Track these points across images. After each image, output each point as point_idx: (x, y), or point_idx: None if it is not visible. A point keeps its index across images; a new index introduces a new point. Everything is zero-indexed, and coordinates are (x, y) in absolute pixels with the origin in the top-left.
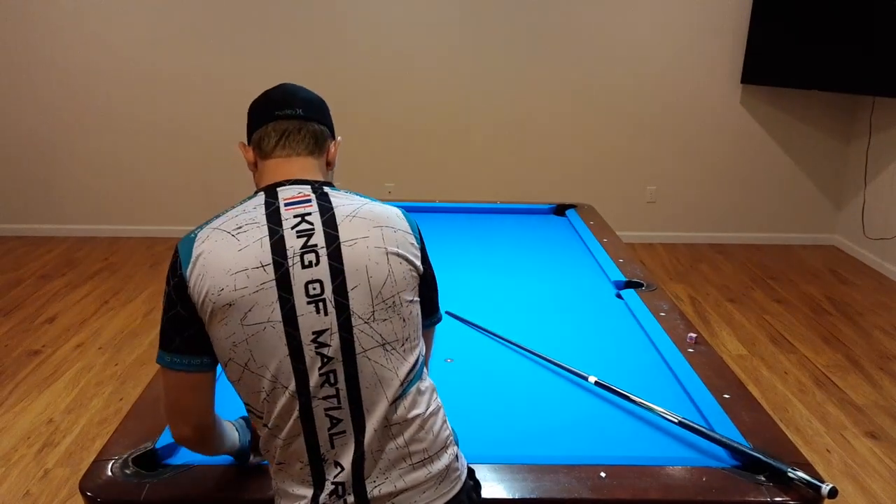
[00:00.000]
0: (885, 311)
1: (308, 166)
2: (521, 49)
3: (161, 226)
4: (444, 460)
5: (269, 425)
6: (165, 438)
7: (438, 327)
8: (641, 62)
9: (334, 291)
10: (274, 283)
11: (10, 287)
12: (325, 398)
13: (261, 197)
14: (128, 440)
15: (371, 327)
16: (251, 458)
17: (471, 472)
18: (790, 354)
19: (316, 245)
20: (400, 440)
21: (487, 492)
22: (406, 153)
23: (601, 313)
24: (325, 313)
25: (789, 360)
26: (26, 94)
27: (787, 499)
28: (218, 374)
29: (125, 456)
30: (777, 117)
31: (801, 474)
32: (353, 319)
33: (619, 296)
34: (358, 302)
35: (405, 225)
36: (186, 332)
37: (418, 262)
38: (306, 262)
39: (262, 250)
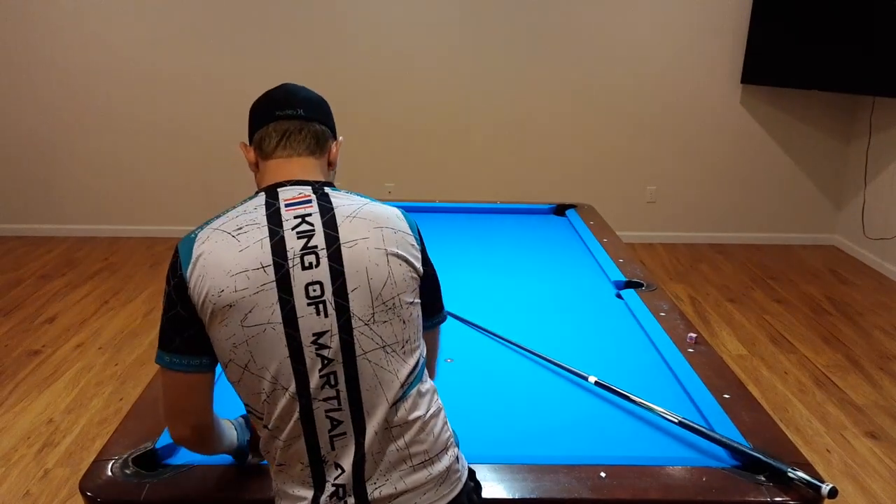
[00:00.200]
0: (885, 311)
1: (309, 166)
2: (520, 49)
3: (161, 226)
4: (445, 462)
5: (270, 426)
6: (165, 438)
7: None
8: (641, 62)
9: (334, 293)
10: (274, 284)
11: (10, 287)
12: (325, 400)
13: (261, 197)
14: (128, 440)
15: (371, 329)
16: (250, 457)
17: (471, 474)
18: (790, 354)
19: (316, 246)
20: (400, 442)
21: (487, 492)
22: (406, 153)
23: (601, 313)
24: (326, 315)
25: (789, 360)
26: (26, 94)
27: (787, 499)
28: (218, 374)
29: (125, 456)
30: (777, 117)
31: (801, 474)
32: (353, 321)
33: (619, 296)
34: (358, 304)
35: (405, 226)
36: (186, 332)
37: (418, 264)
38: (306, 264)
39: (263, 251)
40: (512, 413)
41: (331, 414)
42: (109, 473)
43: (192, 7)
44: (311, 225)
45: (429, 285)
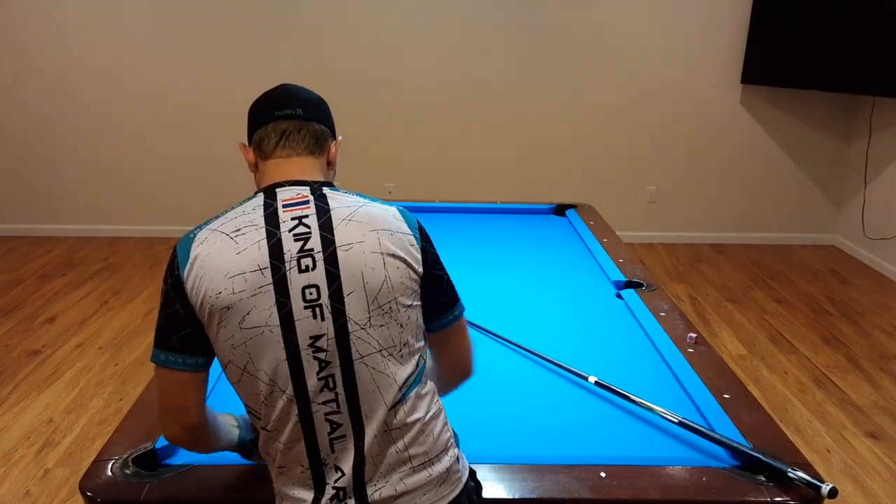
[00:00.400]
0: (885, 311)
1: (308, 166)
2: (520, 49)
3: (161, 226)
4: (445, 462)
5: (269, 428)
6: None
7: None
8: (641, 62)
9: (331, 297)
10: (271, 286)
11: (10, 287)
12: (324, 403)
13: (260, 198)
14: (128, 440)
15: (368, 333)
16: (255, 456)
17: (472, 474)
18: (790, 354)
19: (312, 249)
20: (400, 444)
21: (487, 492)
22: (406, 153)
23: (601, 313)
24: (322, 318)
25: (789, 360)
26: (26, 94)
27: (787, 499)
28: (219, 374)
29: (125, 456)
30: (777, 117)
31: (801, 474)
32: (349, 325)
33: (619, 296)
34: (354, 308)
35: (403, 226)
36: (183, 330)
37: (418, 265)
38: (303, 267)
39: (260, 253)
40: (512, 413)
41: (330, 417)
42: (109, 473)
43: (192, 7)
44: (308, 227)
45: (434, 283)
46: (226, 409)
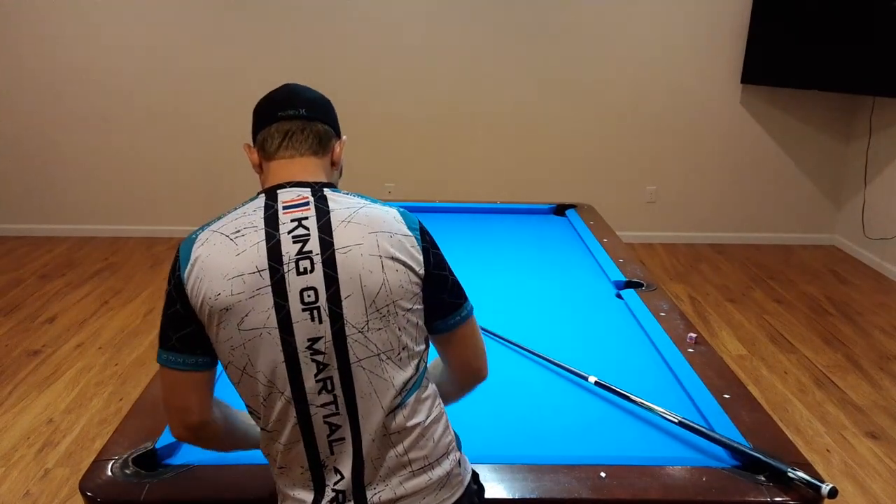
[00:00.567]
0: (885, 311)
1: (310, 167)
2: (521, 49)
3: (161, 226)
4: (446, 466)
5: (269, 429)
6: (165, 438)
7: None
8: (641, 62)
9: (328, 300)
10: (269, 288)
11: (10, 287)
12: (323, 405)
13: (261, 199)
14: (128, 440)
15: (365, 336)
16: None
17: (475, 477)
18: (790, 354)
19: (311, 251)
20: (399, 448)
21: (487, 492)
22: (406, 153)
23: (601, 313)
24: (320, 321)
25: (789, 360)
26: (26, 94)
27: (788, 499)
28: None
29: (125, 456)
30: (777, 117)
31: (801, 474)
32: (346, 329)
33: (619, 296)
34: (351, 311)
35: (403, 228)
36: (183, 330)
37: (419, 267)
38: (301, 269)
39: (259, 255)
40: (512, 413)
41: (329, 419)
42: (109, 473)
43: (193, 7)
44: (307, 229)
45: (437, 284)
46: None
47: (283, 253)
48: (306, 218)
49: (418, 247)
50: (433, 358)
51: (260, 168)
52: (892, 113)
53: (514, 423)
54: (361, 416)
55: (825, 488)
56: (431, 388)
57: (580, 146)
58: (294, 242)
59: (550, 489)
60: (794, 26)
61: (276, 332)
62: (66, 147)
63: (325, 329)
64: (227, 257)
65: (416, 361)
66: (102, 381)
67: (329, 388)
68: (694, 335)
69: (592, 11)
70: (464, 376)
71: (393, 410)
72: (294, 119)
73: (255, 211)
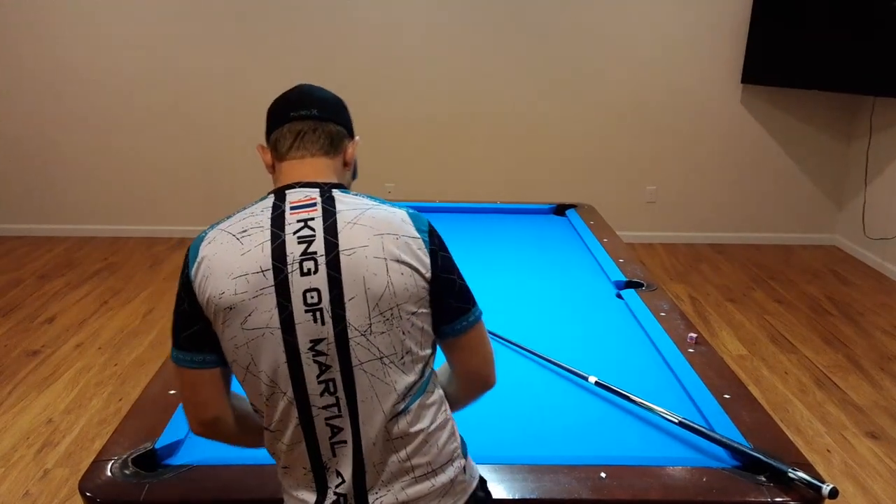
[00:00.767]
0: (886, 311)
1: (322, 167)
2: (521, 49)
3: (161, 226)
4: (450, 473)
5: (272, 428)
6: (165, 438)
7: None
8: (641, 62)
9: (331, 302)
10: (273, 288)
11: (10, 287)
12: (325, 407)
13: (270, 199)
14: (127, 440)
15: (368, 340)
16: None
17: (482, 483)
18: (790, 354)
19: (315, 252)
20: (402, 454)
21: None
22: (406, 153)
23: (601, 313)
24: (322, 323)
25: (790, 360)
26: (27, 94)
27: (788, 499)
28: None
29: (125, 456)
30: (777, 117)
31: (801, 474)
32: (349, 331)
33: (619, 296)
34: (354, 314)
35: (411, 230)
36: (190, 328)
37: (425, 270)
38: (305, 270)
39: (264, 255)
40: (512, 413)
41: (331, 421)
42: (109, 474)
43: (194, 7)
44: (313, 230)
45: (444, 288)
46: None
47: (288, 253)
48: (312, 219)
49: (426, 249)
50: (441, 363)
51: (273, 168)
52: (892, 113)
53: (514, 423)
54: (362, 419)
55: (826, 488)
56: (438, 393)
57: (580, 146)
58: (299, 243)
59: (550, 489)
60: (795, 26)
61: (279, 333)
62: (66, 147)
63: (328, 331)
64: (232, 256)
65: (420, 366)
66: (102, 382)
67: (331, 389)
68: (694, 335)
69: (593, 12)
70: (470, 383)
71: (395, 415)
72: (306, 119)
73: (262, 211)
